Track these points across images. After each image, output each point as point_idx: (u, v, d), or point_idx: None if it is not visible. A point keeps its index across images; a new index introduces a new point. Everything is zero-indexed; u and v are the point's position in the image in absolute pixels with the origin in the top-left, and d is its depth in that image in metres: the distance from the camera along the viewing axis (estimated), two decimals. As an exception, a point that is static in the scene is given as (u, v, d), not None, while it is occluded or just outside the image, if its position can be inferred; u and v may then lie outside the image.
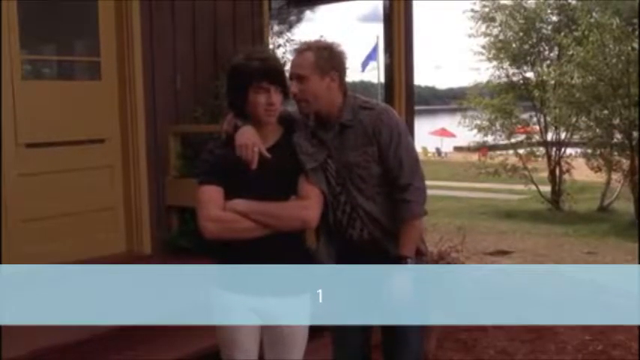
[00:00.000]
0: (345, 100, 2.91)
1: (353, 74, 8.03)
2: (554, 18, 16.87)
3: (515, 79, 17.01)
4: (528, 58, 16.65)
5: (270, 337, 2.79)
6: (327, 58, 2.82)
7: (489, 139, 17.40)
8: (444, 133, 37.67)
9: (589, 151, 15.60)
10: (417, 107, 7.77)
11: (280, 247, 2.68)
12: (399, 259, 2.87)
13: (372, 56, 22.36)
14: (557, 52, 16.49)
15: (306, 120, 2.90)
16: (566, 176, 16.27)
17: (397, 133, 2.87)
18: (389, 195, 2.90)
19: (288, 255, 2.72)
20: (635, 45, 13.73)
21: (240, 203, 2.64)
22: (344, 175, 2.88)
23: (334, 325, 3.15)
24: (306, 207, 2.69)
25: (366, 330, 3.14)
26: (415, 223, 2.91)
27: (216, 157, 2.71)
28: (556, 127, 16.33)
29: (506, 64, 16.86)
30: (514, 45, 16.60)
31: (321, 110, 2.87)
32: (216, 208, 2.63)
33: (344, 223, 2.94)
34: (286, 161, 2.71)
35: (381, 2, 7.77)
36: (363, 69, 22.91)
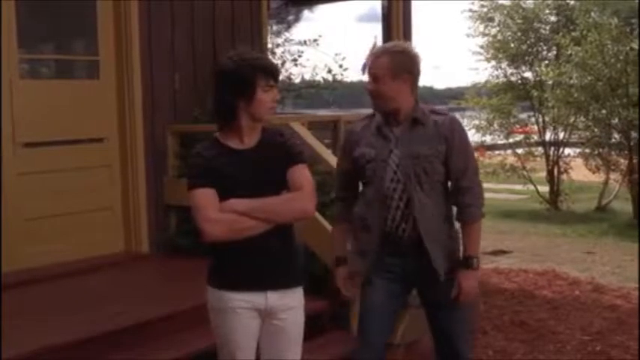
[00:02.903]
0: (415, 104, 3.08)
1: (352, 74, 8.03)
2: (553, 18, 16.81)
3: (513, 79, 16.95)
4: (527, 58, 16.59)
5: (269, 332, 2.80)
6: (400, 61, 3.02)
7: (487, 138, 17.34)
8: (442, 132, 37.62)
9: (587, 151, 15.59)
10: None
11: (275, 242, 2.71)
12: (466, 259, 3.06)
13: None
14: (555, 52, 16.42)
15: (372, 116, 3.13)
16: (564, 176, 16.25)
17: (466, 140, 3.13)
18: (443, 197, 3.08)
19: (281, 249, 2.77)
20: (634, 45, 13.72)
21: (238, 202, 2.65)
22: (408, 166, 2.99)
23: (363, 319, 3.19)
24: (303, 198, 2.72)
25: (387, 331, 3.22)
26: (476, 225, 3.09)
27: (206, 159, 2.72)
28: (554, 127, 16.28)
29: (504, 64, 16.80)
30: (512, 45, 16.54)
31: (391, 108, 3.04)
32: (215, 210, 2.64)
33: (397, 219, 3.02)
34: (272, 157, 2.75)
35: (380, 2, 7.78)
36: (364, 71, 22.80)
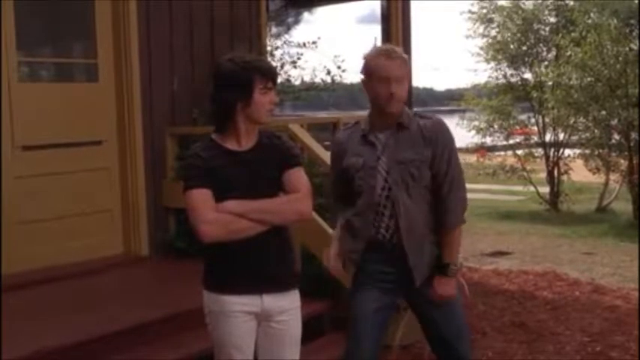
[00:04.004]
0: (403, 107, 3.08)
1: (351, 75, 8.03)
2: (552, 19, 16.81)
3: (513, 80, 16.95)
4: (526, 59, 16.59)
5: (267, 335, 2.80)
6: (408, 65, 3.07)
7: (488, 140, 17.33)
8: (442, 134, 37.56)
9: (587, 151, 15.59)
10: (415, 109, 7.75)
11: (270, 244, 2.71)
12: (444, 266, 3.03)
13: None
14: (555, 53, 16.42)
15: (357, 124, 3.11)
16: (564, 177, 16.25)
17: (450, 142, 3.06)
18: (429, 204, 3.03)
19: (277, 251, 2.77)
20: (633, 46, 13.73)
21: (234, 204, 2.64)
22: (395, 171, 2.97)
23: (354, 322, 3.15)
24: (299, 200, 2.73)
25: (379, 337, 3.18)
26: (456, 231, 3.06)
27: (204, 160, 2.71)
28: (554, 128, 16.28)
29: (504, 65, 16.80)
30: (512, 46, 16.54)
31: (399, 111, 3.03)
32: (211, 211, 2.63)
33: (391, 228, 3.00)
34: (269, 160, 2.75)
35: (379, 3, 7.78)
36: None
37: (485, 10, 17.10)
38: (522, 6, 16.77)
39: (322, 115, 7.98)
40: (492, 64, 16.95)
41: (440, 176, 3.00)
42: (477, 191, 19.24)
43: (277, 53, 7.46)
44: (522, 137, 17.66)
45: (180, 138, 5.72)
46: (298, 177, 2.76)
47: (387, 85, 2.96)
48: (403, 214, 2.97)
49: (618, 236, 10.68)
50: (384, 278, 3.05)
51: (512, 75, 17.05)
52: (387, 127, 3.04)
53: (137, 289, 4.92)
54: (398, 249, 3.01)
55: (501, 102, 16.81)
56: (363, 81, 3.10)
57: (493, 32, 16.94)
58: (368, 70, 3.04)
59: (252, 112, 2.70)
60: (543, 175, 16.66)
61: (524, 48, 16.63)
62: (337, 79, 8.02)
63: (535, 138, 17.11)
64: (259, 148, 2.77)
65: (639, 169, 13.68)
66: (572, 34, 14.74)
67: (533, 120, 16.87)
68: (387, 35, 7.66)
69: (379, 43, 7.80)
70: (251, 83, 2.67)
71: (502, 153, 18.23)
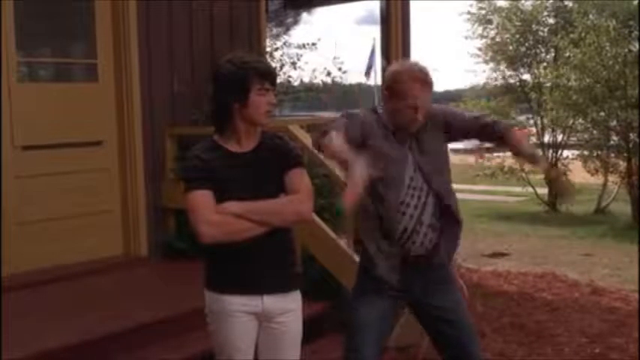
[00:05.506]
0: None
1: (351, 77, 8.03)
2: (551, 20, 16.87)
3: (511, 81, 17.00)
4: (525, 60, 16.64)
5: (267, 336, 2.80)
6: None
7: (487, 141, 17.40)
8: (441, 135, 37.55)
9: (586, 153, 15.61)
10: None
11: (271, 245, 2.70)
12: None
13: (372, 60, 22.16)
14: (553, 55, 16.47)
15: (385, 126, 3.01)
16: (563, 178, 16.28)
17: (449, 111, 3.18)
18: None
19: (278, 252, 2.76)
20: (632, 47, 13.77)
21: (233, 205, 2.64)
22: (421, 173, 2.97)
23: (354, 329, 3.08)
24: (299, 201, 2.71)
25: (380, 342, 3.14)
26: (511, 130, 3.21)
27: (204, 161, 2.70)
28: (553, 129, 16.33)
29: (502, 67, 16.85)
30: (511, 47, 16.59)
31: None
32: (211, 212, 2.62)
33: (409, 230, 2.96)
34: (270, 161, 2.74)
35: (378, 4, 7.79)
36: (368, 77, 22.65)
37: (483, 11, 17.14)
38: (521, 7, 16.81)
39: (322, 115, 7.97)
40: (491, 65, 17.00)
41: (472, 123, 3.22)
42: (475, 192, 19.27)
43: (277, 54, 7.45)
44: (521, 138, 17.67)
45: (180, 139, 5.71)
46: (299, 178, 2.75)
47: (416, 110, 2.92)
48: (432, 218, 2.98)
49: (617, 237, 10.71)
50: (392, 286, 2.98)
51: (510, 76, 17.09)
52: (404, 139, 2.99)
53: (137, 290, 4.91)
54: (419, 251, 2.97)
55: (500, 103, 16.85)
56: (386, 95, 3.01)
57: (492, 33, 16.99)
58: (400, 91, 2.93)
59: (249, 114, 2.69)
60: (542, 176, 16.67)
61: (523, 49, 16.67)
62: (337, 79, 8.03)
63: (534, 139, 17.12)
64: (260, 149, 2.76)
65: (638, 171, 13.70)
66: (571, 36, 14.77)
67: (531, 121, 16.89)
68: (386, 36, 7.66)
69: (378, 44, 7.81)
70: (248, 84, 2.66)
71: (501, 154, 18.23)
